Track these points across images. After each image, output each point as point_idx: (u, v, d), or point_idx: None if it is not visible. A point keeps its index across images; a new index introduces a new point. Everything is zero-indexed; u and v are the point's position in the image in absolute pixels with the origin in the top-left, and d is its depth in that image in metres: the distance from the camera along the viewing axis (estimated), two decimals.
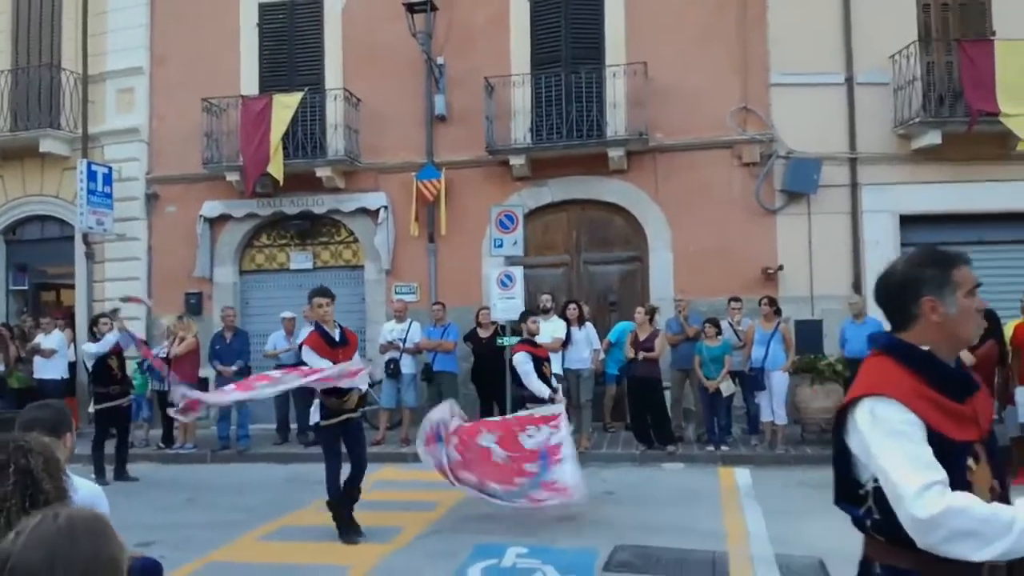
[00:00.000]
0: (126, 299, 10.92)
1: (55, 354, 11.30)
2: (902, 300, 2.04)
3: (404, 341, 10.61)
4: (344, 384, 6.45)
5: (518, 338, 8.28)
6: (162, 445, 10.94)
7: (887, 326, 2.14)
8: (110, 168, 12.81)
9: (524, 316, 8.14)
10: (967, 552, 1.73)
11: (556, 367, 9.13)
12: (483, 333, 10.60)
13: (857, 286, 10.90)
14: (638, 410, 9.89)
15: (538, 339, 7.99)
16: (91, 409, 9.99)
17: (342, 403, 6.55)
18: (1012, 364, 8.15)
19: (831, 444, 2.09)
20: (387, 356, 10.64)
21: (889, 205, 11.10)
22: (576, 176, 11.88)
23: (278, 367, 8.98)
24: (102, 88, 13.37)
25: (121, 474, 9.35)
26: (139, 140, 13.21)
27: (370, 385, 8.18)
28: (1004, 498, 1.91)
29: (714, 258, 11.22)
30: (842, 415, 2.01)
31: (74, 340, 12.26)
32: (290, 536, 6.73)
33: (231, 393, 7.26)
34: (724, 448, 9.63)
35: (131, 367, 10.50)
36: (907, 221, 11.10)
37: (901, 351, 2.01)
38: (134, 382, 10.55)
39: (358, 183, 12.57)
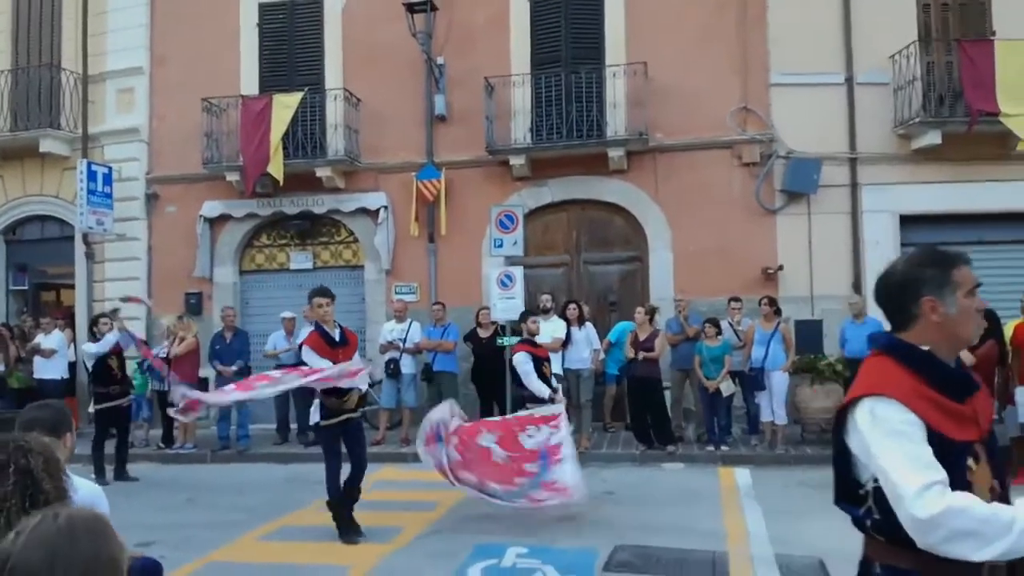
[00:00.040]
0: (126, 299, 10.92)
1: (55, 354, 11.29)
2: (902, 300, 2.04)
3: (404, 341, 10.61)
4: (344, 384, 6.45)
5: (518, 338, 8.28)
6: (162, 445, 10.94)
7: (887, 326, 2.14)
8: (110, 168, 12.81)
9: (524, 316, 8.14)
10: (967, 552, 1.73)
11: (556, 367, 9.12)
12: (483, 333, 10.60)
13: (857, 286, 10.90)
14: (638, 410, 9.89)
15: (538, 339, 7.99)
16: (91, 409, 9.99)
17: (342, 403, 6.55)
18: (1012, 364, 8.15)
19: (831, 444, 2.09)
20: (387, 356, 10.64)
21: (889, 205, 11.10)
22: (576, 176, 11.88)
23: (278, 367, 8.97)
24: (102, 88, 13.37)
25: (121, 474, 9.35)
26: (139, 140, 13.21)
27: (370, 385, 8.18)
28: (1004, 498, 1.91)
29: (714, 258, 11.21)
30: (842, 415, 2.01)
31: (74, 340, 12.25)
32: (290, 536, 6.73)
33: (231, 393, 7.26)
34: (724, 448, 9.63)
35: (131, 367, 10.50)
36: (907, 221, 11.10)
37: (901, 351, 2.00)
38: (134, 382, 10.54)
39: (358, 183, 12.57)
